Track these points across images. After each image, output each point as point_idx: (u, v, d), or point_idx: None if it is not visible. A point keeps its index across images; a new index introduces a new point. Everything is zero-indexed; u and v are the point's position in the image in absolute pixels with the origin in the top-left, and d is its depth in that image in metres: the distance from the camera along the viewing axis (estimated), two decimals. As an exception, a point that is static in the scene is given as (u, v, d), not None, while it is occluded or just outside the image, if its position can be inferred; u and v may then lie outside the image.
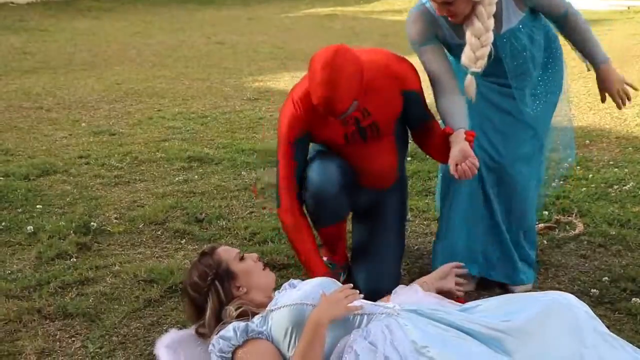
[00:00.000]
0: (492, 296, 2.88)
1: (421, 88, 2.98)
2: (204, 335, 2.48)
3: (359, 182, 3.09)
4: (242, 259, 2.56)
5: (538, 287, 3.22)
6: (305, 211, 3.05)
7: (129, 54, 9.81)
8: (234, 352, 2.31)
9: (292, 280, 2.63)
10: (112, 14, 14.41)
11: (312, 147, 3.09)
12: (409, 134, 3.15)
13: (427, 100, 3.03)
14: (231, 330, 2.34)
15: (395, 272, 3.14)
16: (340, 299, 2.30)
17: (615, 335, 2.31)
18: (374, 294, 2.63)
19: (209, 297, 2.48)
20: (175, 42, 11.01)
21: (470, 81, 2.88)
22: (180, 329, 2.69)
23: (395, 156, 3.08)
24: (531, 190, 3.21)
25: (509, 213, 3.18)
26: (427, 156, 4.90)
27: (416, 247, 3.64)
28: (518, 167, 3.13)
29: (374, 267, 3.06)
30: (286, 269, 3.37)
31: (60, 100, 6.87)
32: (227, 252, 2.56)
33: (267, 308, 2.40)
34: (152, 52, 9.97)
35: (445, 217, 3.16)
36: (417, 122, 3.04)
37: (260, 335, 2.32)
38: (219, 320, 2.45)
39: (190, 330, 2.62)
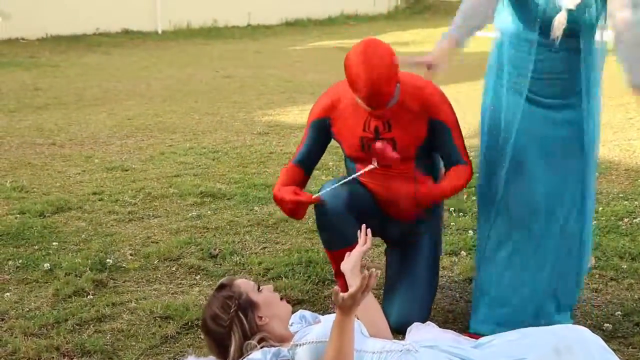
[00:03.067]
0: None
1: (454, 123, 3.05)
2: None
3: (386, 212, 3.16)
4: (259, 290, 2.58)
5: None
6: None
7: (139, 88, 9.92)
8: None
9: (302, 312, 2.66)
10: (121, 49, 14.57)
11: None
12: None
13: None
14: (260, 354, 2.35)
15: (427, 307, 3.19)
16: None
17: (630, 370, 2.34)
18: (405, 327, 2.71)
19: (232, 329, 2.47)
20: (184, 76, 11.13)
21: (561, 19, 2.82)
22: (199, 357, 2.72)
23: (414, 186, 3.10)
24: None
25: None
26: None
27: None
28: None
29: (406, 301, 3.12)
30: (300, 304, 3.39)
31: (72, 136, 6.95)
32: (245, 284, 2.58)
33: (292, 342, 2.41)
34: (162, 87, 10.07)
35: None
36: (445, 158, 3.13)
37: None
38: (243, 354, 2.45)
39: (208, 359, 2.65)
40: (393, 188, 3.08)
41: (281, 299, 2.62)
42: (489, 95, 3.10)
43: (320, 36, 17.14)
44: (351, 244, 3.12)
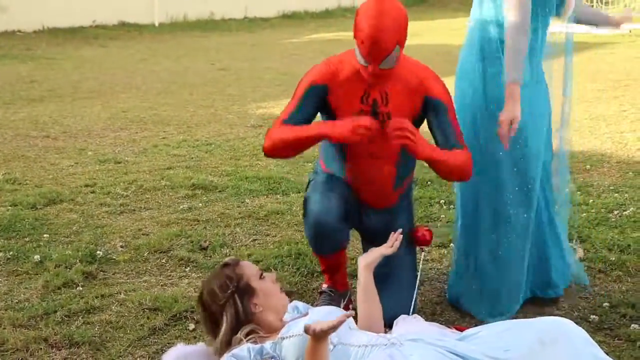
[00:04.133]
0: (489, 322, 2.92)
1: (450, 103, 3.04)
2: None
3: (361, 199, 3.15)
4: (262, 277, 2.58)
5: (540, 312, 3.26)
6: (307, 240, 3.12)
7: (135, 81, 9.91)
8: None
9: (295, 303, 2.67)
10: (118, 42, 14.56)
11: (315, 177, 3.17)
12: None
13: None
14: (245, 349, 2.37)
15: (410, 298, 3.17)
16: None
17: (613, 361, 2.35)
18: (392, 321, 2.72)
19: (226, 309, 2.49)
20: (180, 69, 11.13)
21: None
22: (188, 344, 2.74)
23: (395, 166, 3.09)
24: None
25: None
26: (429, 182, 4.98)
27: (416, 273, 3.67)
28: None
29: (393, 294, 3.10)
30: (289, 296, 3.36)
31: (66, 128, 6.96)
32: (249, 268, 2.59)
33: (279, 335, 2.43)
34: (158, 79, 10.07)
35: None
36: (441, 141, 3.04)
37: (272, 359, 2.35)
38: (231, 338, 2.47)
39: (197, 347, 2.67)
40: (374, 171, 3.08)
41: (281, 290, 2.63)
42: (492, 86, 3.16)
43: (317, 29, 17.13)
44: (340, 248, 3.14)
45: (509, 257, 3.19)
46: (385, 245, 2.89)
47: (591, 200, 4.64)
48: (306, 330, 2.19)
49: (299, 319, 2.51)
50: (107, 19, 16.47)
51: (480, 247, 3.24)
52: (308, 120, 3.06)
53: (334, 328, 2.20)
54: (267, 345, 2.40)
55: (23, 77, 10.15)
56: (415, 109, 3.03)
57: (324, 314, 2.46)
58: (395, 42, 2.83)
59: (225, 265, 2.59)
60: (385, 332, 2.63)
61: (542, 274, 3.35)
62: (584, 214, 4.39)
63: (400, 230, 2.95)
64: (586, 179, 5.15)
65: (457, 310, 3.31)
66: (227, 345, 2.46)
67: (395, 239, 2.90)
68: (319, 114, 3.13)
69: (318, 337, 2.20)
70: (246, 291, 2.51)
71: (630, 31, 14.05)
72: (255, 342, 2.42)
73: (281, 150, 3.04)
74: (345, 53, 3.08)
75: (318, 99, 3.03)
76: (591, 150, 5.99)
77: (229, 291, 2.50)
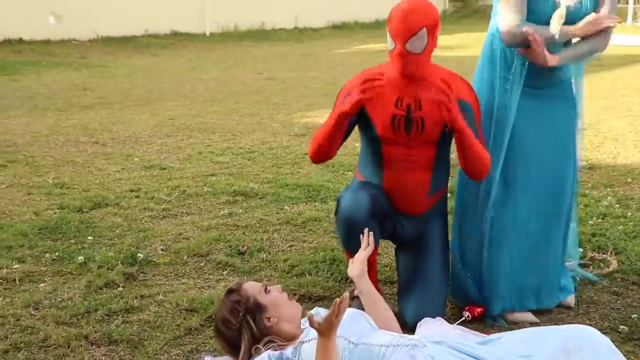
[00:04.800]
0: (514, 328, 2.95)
1: (477, 108, 3.16)
2: None
3: (394, 206, 3.23)
4: (267, 291, 2.65)
5: (569, 322, 3.27)
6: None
7: (183, 89, 10.11)
8: None
9: (317, 309, 2.74)
10: (169, 51, 14.85)
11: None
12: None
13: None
14: (266, 357, 2.45)
15: (442, 303, 3.26)
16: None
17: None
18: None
19: (242, 332, 2.57)
20: (228, 77, 11.31)
21: (561, 13, 3.05)
22: (215, 356, 2.83)
23: (429, 174, 3.19)
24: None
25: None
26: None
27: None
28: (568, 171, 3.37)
29: (422, 298, 3.18)
30: (322, 301, 3.48)
31: (115, 135, 7.16)
32: (252, 287, 2.66)
33: (299, 339, 2.50)
34: (206, 88, 10.26)
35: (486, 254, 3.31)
36: None
37: None
38: (251, 355, 2.55)
39: (224, 358, 2.76)
40: (409, 177, 3.16)
41: (290, 298, 2.69)
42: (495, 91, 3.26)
43: (366, 39, 17.21)
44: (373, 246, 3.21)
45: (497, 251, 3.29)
46: (362, 247, 2.94)
47: (629, 213, 4.62)
48: (311, 324, 2.26)
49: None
50: (159, 28, 16.80)
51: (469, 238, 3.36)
52: (350, 128, 3.21)
53: (335, 314, 2.25)
54: (288, 351, 2.47)
55: (76, 84, 10.44)
56: None
57: (346, 318, 2.52)
58: (423, 24, 2.98)
59: (230, 291, 2.67)
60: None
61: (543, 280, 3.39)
62: (621, 227, 4.38)
63: (366, 230, 3.00)
64: (627, 192, 5.12)
65: (483, 317, 3.34)
66: (249, 359, 2.55)
67: (367, 238, 2.96)
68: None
69: (324, 330, 2.26)
70: (256, 309, 2.59)
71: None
72: (275, 350, 2.50)
73: (320, 150, 3.20)
74: (384, 64, 3.21)
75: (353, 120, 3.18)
76: (634, 163, 5.95)
77: (241, 314, 2.58)
